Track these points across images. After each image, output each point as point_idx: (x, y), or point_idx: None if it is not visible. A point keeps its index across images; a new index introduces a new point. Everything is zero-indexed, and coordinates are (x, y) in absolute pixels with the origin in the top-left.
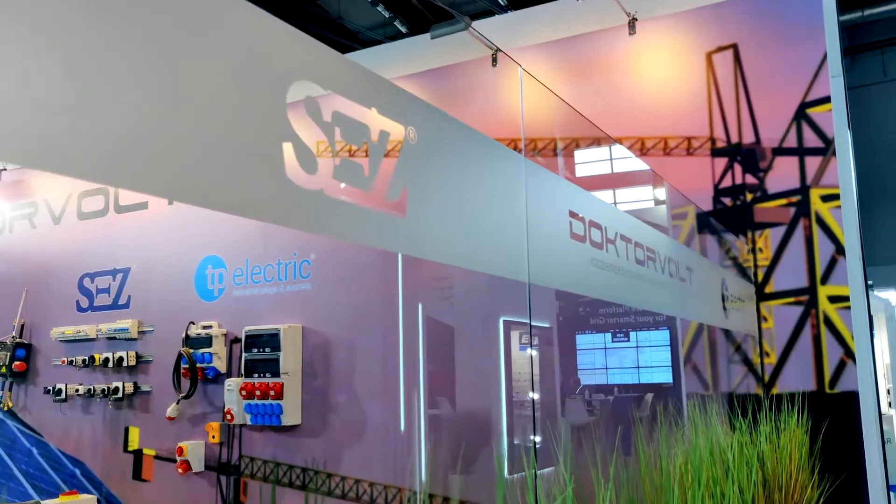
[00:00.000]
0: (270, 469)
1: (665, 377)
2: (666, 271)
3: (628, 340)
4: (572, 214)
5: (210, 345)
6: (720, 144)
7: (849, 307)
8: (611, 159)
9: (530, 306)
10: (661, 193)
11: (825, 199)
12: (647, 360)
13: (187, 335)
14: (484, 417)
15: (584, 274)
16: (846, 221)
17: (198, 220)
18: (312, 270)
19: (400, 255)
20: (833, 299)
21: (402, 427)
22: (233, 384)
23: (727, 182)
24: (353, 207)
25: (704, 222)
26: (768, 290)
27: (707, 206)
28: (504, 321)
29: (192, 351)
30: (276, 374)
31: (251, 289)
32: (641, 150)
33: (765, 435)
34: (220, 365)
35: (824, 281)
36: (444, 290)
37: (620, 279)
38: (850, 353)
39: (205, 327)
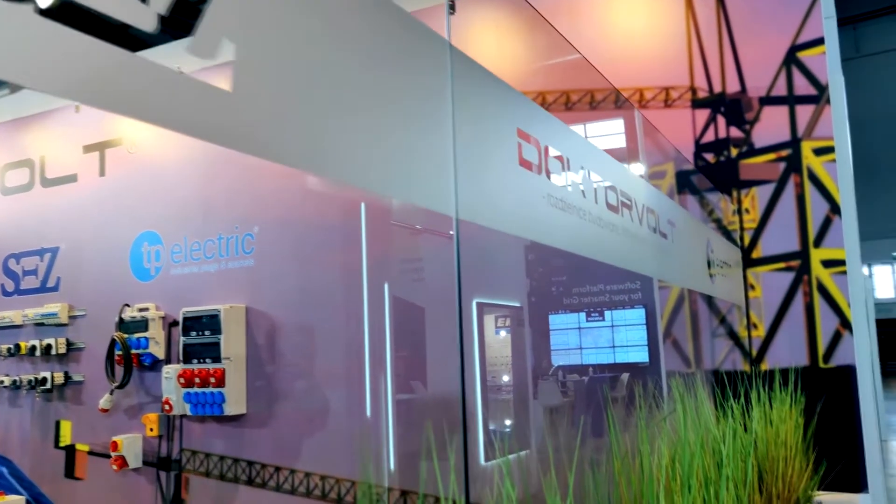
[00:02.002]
0: (214, 463)
1: (641, 356)
2: (644, 223)
3: (603, 319)
4: (522, 135)
5: (146, 329)
6: (701, 95)
7: (845, 272)
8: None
9: (458, 252)
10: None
11: (818, 152)
12: (622, 339)
13: (121, 319)
14: (456, 402)
15: (535, 214)
16: (841, 176)
17: (132, 194)
18: (256, 245)
19: (364, 230)
20: (827, 264)
21: (369, 413)
22: (171, 371)
23: (709, 136)
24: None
25: (685, 181)
26: (756, 255)
27: (688, 163)
28: (477, 303)
29: (126, 336)
30: (216, 359)
31: (190, 266)
32: (615, 103)
33: (756, 419)
34: (157, 351)
35: (818, 243)
36: (413, 269)
37: (585, 226)
38: (845, 323)
39: (141, 310)
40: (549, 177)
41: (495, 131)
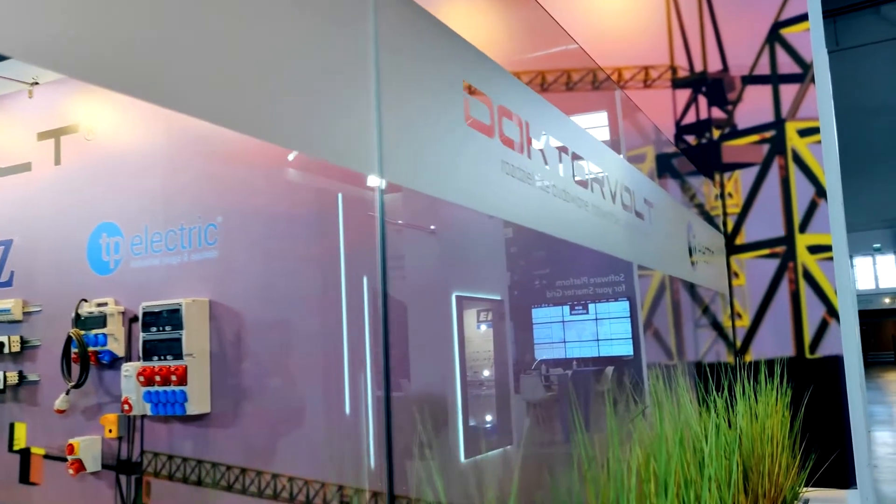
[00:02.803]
0: (177, 465)
1: (626, 349)
2: (618, 200)
3: (587, 312)
4: (471, 90)
5: (104, 325)
6: (682, 74)
7: (831, 258)
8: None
9: (383, 223)
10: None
11: (803, 133)
12: (606, 332)
13: (78, 315)
14: (438, 398)
15: (487, 181)
16: (827, 158)
17: (90, 183)
18: (219, 235)
19: (341, 223)
20: (813, 249)
21: (348, 411)
22: (130, 369)
23: (690, 117)
24: None
25: (666, 164)
26: (739, 241)
27: (668, 146)
28: (456, 297)
29: (83, 333)
30: (178, 356)
31: (151, 259)
32: (592, 83)
33: (741, 413)
34: (116, 348)
35: (803, 228)
36: (393, 260)
37: (549, 199)
38: (832, 311)
39: (99, 305)
40: (503, 141)
41: (435, 83)
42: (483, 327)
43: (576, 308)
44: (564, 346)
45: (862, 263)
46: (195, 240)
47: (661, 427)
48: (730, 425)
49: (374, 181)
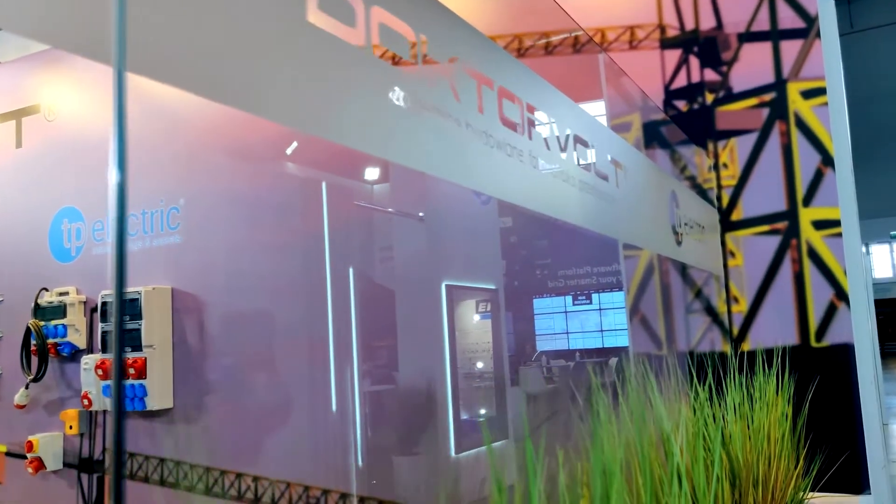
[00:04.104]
0: (139, 464)
1: (624, 340)
2: (570, 154)
3: (590, 302)
4: None
5: (64, 315)
6: (671, 33)
7: (839, 234)
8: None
9: (120, 119)
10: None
11: (807, 94)
12: (610, 322)
13: (37, 304)
14: (427, 391)
15: (384, 122)
16: (834, 120)
17: (51, 166)
18: (183, 219)
19: (325, 210)
20: (819, 225)
21: (335, 408)
22: (89, 362)
23: (681, 80)
24: None
25: (654, 133)
26: (736, 216)
27: (656, 112)
28: (447, 286)
29: (42, 323)
30: (137, 347)
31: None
32: (574, 46)
33: (733, 407)
34: (77, 339)
35: (808, 202)
36: (380, 249)
37: (461, 140)
38: (841, 294)
39: (60, 294)
40: (375, 51)
41: None
42: (476, 318)
43: (579, 298)
44: (567, 337)
45: (879, 251)
46: (157, 224)
47: (604, 431)
48: (724, 423)
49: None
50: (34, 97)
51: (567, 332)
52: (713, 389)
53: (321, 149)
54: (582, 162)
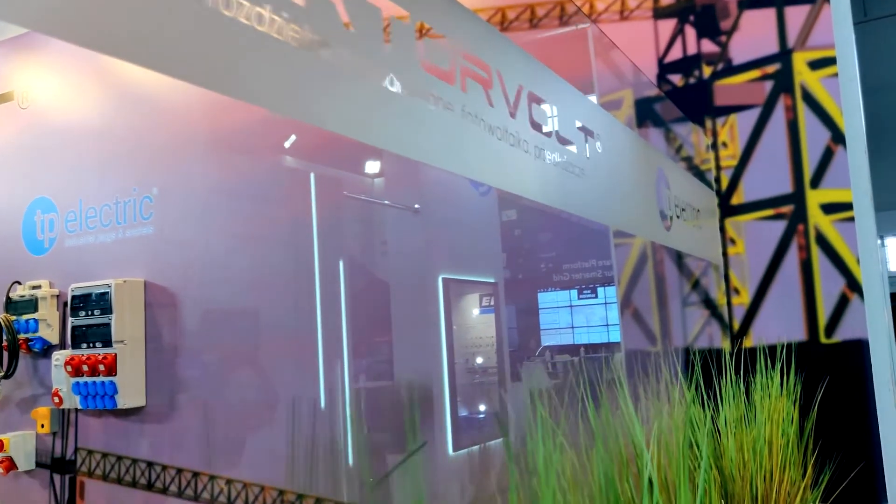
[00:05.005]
0: (111, 464)
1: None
2: (525, 118)
3: (596, 297)
4: None
5: (36, 309)
6: (666, 1)
7: (852, 218)
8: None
9: None
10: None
11: (815, 65)
12: (614, 317)
13: (9, 298)
14: (422, 387)
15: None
16: (845, 91)
17: (26, 154)
18: (156, 209)
19: (314, 199)
20: (829, 208)
21: (323, 405)
22: (60, 358)
23: (676, 53)
24: None
25: (647, 111)
26: (736, 200)
27: (650, 88)
28: (443, 279)
29: (14, 318)
30: (107, 343)
31: (86, 236)
32: (560, 18)
33: (728, 412)
34: (49, 335)
35: (816, 183)
36: (375, 241)
37: (373, 94)
38: (853, 284)
39: (33, 288)
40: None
41: None
42: (475, 312)
43: (584, 292)
44: (572, 332)
45: (894, 244)
46: (130, 214)
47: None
48: (718, 433)
49: None
50: (8, 84)
51: (573, 327)
52: (704, 390)
53: (310, 137)
54: (535, 121)
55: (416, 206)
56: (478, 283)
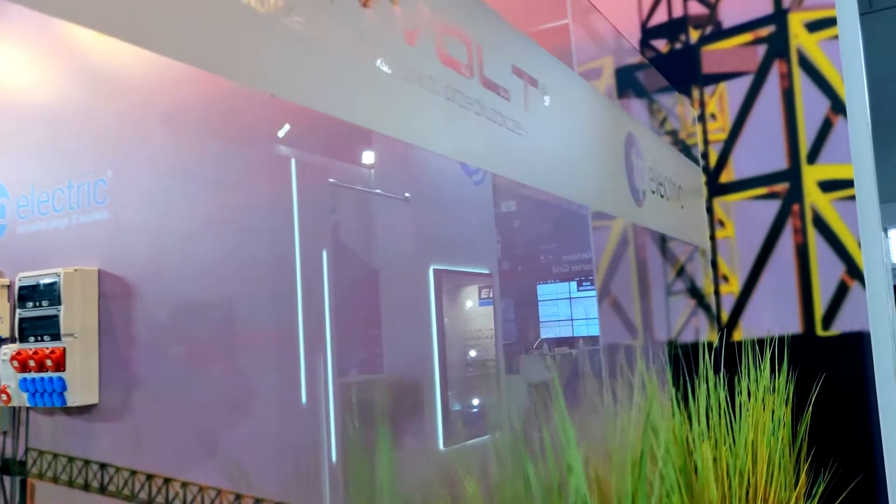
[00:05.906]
0: (63, 466)
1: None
2: (430, 48)
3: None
4: None
5: None
6: None
7: (852, 197)
8: None
9: None
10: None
11: (813, 27)
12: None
13: None
14: (414, 381)
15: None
16: (846, 54)
17: None
18: (110, 193)
19: (294, 181)
20: (827, 186)
21: (304, 400)
22: (7, 352)
23: (660, 16)
24: None
25: (628, 79)
26: (725, 177)
27: (632, 54)
28: (434, 270)
29: None
30: (55, 336)
31: (38, 223)
32: None
33: (706, 416)
34: (1, 328)
35: (813, 158)
36: (362, 230)
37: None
38: (854, 271)
39: None
40: None
41: None
42: (469, 303)
43: (583, 284)
44: (572, 324)
45: None
46: (84, 199)
47: None
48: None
49: None
50: None
51: (571, 319)
52: (682, 392)
53: (294, 120)
54: (453, 57)
55: (407, 194)
56: (471, 273)
